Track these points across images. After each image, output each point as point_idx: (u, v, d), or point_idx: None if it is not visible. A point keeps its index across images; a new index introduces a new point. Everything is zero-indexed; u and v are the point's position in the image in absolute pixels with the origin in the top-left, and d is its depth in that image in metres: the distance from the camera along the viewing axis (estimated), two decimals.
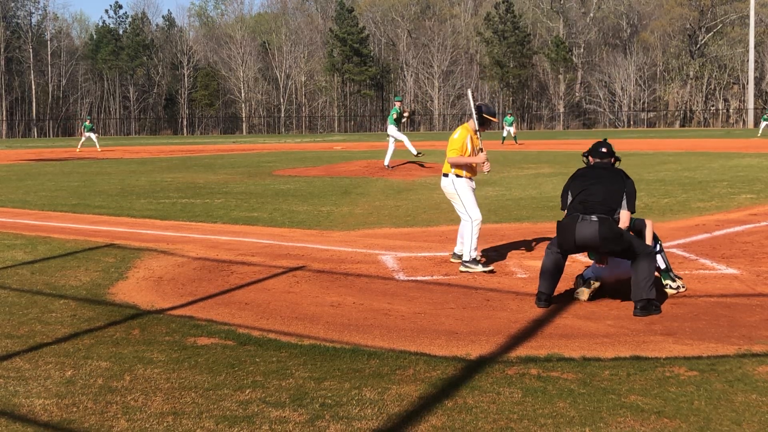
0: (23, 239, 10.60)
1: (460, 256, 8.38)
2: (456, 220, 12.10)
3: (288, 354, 5.31)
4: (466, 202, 8.26)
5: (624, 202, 6.54)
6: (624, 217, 6.56)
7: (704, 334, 5.66)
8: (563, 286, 7.10)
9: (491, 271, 7.99)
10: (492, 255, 8.89)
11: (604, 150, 6.95)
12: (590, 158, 7.01)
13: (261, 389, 4.60)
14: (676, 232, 10.13)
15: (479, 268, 8.01)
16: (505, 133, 45.30)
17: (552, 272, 6.61)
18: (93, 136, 45.43)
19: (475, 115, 8.26)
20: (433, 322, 6.12)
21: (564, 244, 6.61)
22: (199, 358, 5.22)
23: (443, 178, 8.44)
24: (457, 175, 8.29)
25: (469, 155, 8.24)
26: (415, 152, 22.59)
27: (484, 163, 8.24)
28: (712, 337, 5.58)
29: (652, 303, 6.24)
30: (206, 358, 5.22)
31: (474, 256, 8.09)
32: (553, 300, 6.63)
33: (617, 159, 7.00)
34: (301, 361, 5.14)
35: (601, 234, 6.36)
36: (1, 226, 12.05)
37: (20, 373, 4.97)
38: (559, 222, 6.72)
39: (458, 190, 8.29)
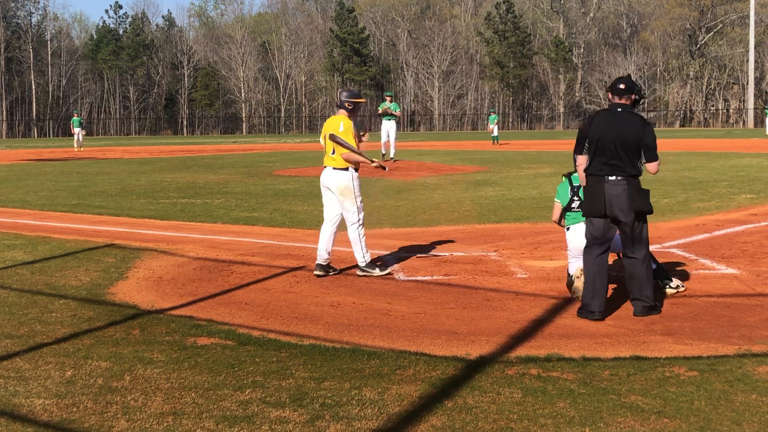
0: (23, 239, 10.60)
1: (324, 267, 7.93)
2: (455, 220, 12.14)
3: (288, 354, 5.31)
4: (359, 200, 7.97)
5: (643, 154, 6.13)
6: (652, 168, 6.20)
7: (704, 334, 5.65)
8: (561, 286, 7.10)
9: (389, 274, 7.87)
10: (492, 255, 8.89)
11: (621, 86, 6.23)
12: (610, 95, 6.31)
13: (261, 389, 4.60)
14: (676, 232, 10.13)
15: (377, 271, 7.87)
16: (495, 133, 45.14)
17: (596, 277, 6.15)
18: (79, 132, 44.24)
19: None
20: (433, 322, 6.12)
21: (593, 210, 6.18)
22: (199, 358, 5.22)
23: (340, 173, 7.90)
24: (355, 169, 7.96)
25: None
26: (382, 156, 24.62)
27: (372, 162, 8.02)
28: (712, 337, 5.57)
29: (652, 300, 6.22)
30: (206, 358, 5.22)
31: (368, 259, 7.94)
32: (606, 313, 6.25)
33: (639, 98, 6.33)
34: (301, 361, 5.14)
35: (629, 197, 6.02)
36: (1, 226, 12.05)
37: (20, 373, 4.97)
38: (585, 187, 6.31)
39: (355, 187, 7.94)
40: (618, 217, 6.11)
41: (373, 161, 8.07)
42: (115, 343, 5.64)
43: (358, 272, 7.94)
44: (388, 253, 9.11)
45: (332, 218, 8.09)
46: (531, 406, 4.26)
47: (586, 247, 6.32)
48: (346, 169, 7.93)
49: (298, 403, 4.37)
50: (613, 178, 6.10)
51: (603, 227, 6.19)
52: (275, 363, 5.11)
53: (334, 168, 7.98)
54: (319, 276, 7.89)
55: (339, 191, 7.95)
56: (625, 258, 6.31)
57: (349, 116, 8.01)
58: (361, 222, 7.98)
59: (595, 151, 6.17)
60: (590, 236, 6.28)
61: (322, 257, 7.96)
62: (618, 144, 6.08)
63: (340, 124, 7.92)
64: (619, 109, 6.22)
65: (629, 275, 6.28)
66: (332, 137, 7.85)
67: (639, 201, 6.11)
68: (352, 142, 7.87)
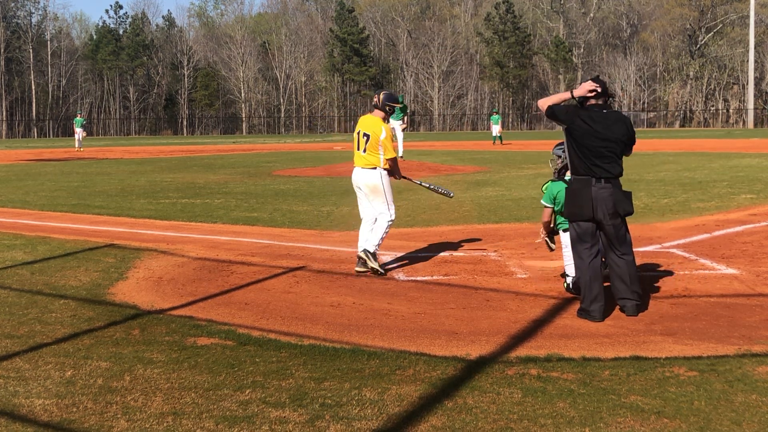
0: (23, 239, 10.60)
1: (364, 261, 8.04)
2: (455, 220, 12.15)
3: (288, 354, 5.31)
4: (390, 197, 8.12)
5: (627, 149, 6.22)
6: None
7: (704, 334, 5.66)
8: (561, 286, 7.10)
9: (383, 274, 7.90)
10: (492, 255, 8.89)
11: (599, 89, 6.22)
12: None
13: (261, 389, 4.60)
14: (676, 232, 10.13)
15: (376, 264, 7.92)
16: (495, 133, 45.08)
17: (592, 281, 6.12)
18: (80, 133, 44.43)
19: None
20: (433, 322, 6.12)
21: (580, 214, 6.13)
22: (199, 358, 5.22)
23: (370, 171, 8.03)
24: (385, 168, 8.09)
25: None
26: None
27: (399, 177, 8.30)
28: (712, 337, 5.57)
29: (641, 297, 6.22)
30: (206, 358, 5.22)
31: (376, 251, 8.03)
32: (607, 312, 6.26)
33: (612, 97, 6.39)
34: (301, 361, 5.14)
35: (615, 201, 6.05)
36: (1, 226, 12.05)
37: (20, 373, 4.97)
38: (569, 190, 6.27)
39: (385, 185, 8.06)
40: (603, 220, 6.12)
41: (400, 177, 8.33)
42: (115, 343, 5.64)
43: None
44: (388, 253, 9.11)
45: (369, 218, 8.21)
46: (531, 406, 4.26)
47: (575, 253, 6.30)
48: (375, 168, 8.03)
49: (298, 403, 4.37)
50: (601, 182, 6.11)
51: (591, 229, 6.19)
52: (275, 363, 5.11)
53: (363, 167, 8.09)
54: (359, 272, 8.00)
55: (369, 190, 8.10)
56: (612, 258, 6.24)
57: (384, 119, 8.17)
58: (392, 218, 8.11)
59: (583, 153, 6.13)
60: (579, 240, 6.24)
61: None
62: (610, 145, 6.10)
63: (381, 129, 8.03)
64: (605, 111, 6.20)
65: (618, 275, 6.19)
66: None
67: (623, 204, 6.17)
68: (391, 149, 8.07)
